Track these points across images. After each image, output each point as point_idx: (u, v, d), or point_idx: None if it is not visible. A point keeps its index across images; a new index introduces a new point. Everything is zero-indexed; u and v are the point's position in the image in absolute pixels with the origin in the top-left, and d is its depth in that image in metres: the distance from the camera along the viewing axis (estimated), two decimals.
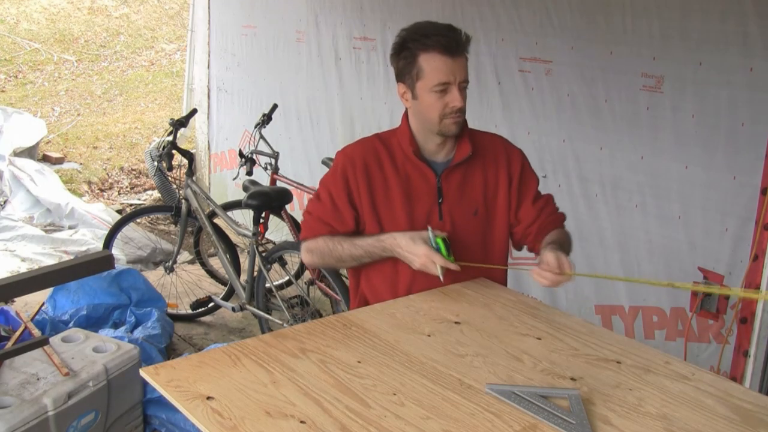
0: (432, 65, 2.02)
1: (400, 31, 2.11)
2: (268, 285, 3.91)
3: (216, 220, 4.32)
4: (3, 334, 3.20)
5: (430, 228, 2.04)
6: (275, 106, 4.65)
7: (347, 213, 2.17)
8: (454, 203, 2.17)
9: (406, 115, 2.20)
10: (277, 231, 4.87)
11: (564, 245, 2.11)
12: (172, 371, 1.62)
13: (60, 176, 6.41)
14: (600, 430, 1.49)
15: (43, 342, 2.67)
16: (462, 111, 2.07)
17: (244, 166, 4.26)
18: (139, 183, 7.05)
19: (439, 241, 2.01)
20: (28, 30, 10.17)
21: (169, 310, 4.17)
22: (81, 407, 2.72)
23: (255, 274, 3.90)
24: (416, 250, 2.01)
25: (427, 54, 2.02)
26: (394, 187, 2.15)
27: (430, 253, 1.99)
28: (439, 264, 1.98)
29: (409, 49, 2.05)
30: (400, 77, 2.12)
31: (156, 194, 6.62)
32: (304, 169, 5.21)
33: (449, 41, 2.01)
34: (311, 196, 2.33)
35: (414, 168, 2.17)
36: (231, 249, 4.26)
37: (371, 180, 2.15)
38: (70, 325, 3.57)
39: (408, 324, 1.92)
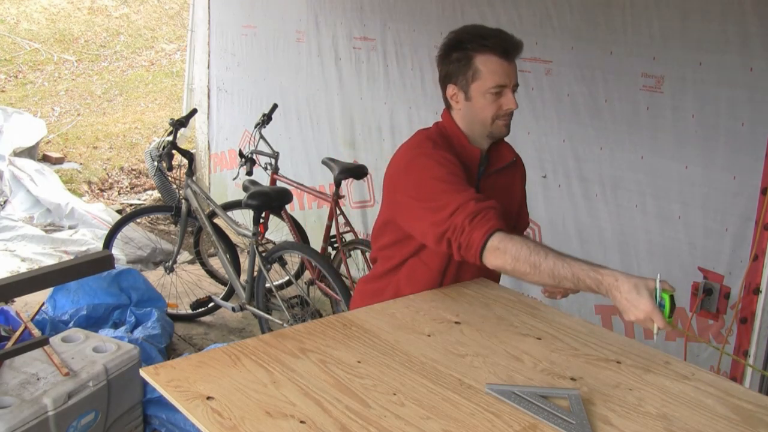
0: (489, 67, 2.00)
1: (448, 33, 2.07)
2: (268, 285, 3.91)
3: (216, 220, 4.32)
4: (3, 334, 3.20)
5: (659, 278, 1.76)
6: (275, 106, 4.65)
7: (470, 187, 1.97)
8: None
9: (451, 118, 2.13)
10: (277, 231, 4.87)
11: None
12: (172, 371, 1.62)
13: (60, 176, 6.41)
14: (600, 430, 1.49)
15: (43, 342, 2.67)
16: (512, 114, 2.08)
17: (244, 166, 4.26)
18: (139, 183, 7.06)
19: (666, 296, 1.73)
20: (28, 30, 10.17)
21: (169, 310, 4.18)
22: (81, 407, 2.72)
23: (255, 274, 3.90)
24: (639, 303, 1.71)
25: (484, 56, 2.00)
26: None
27: (653, 311, 1.70)
28: (660, 326, 1.71)
29: (464, 50, 2.01)
30: (451, 79, 2.06)
31: (156, 194, 6.62)
32: (304, 169, 5.21)
33: (507, 44, 2.00)
34: (422, 208, 1.97)
35: (466, 170, 2.08)
36: (231, 249, 4.26)
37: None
38: (70, 325, 3.57)
39: (408, 324, 1.92)
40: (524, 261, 1.83)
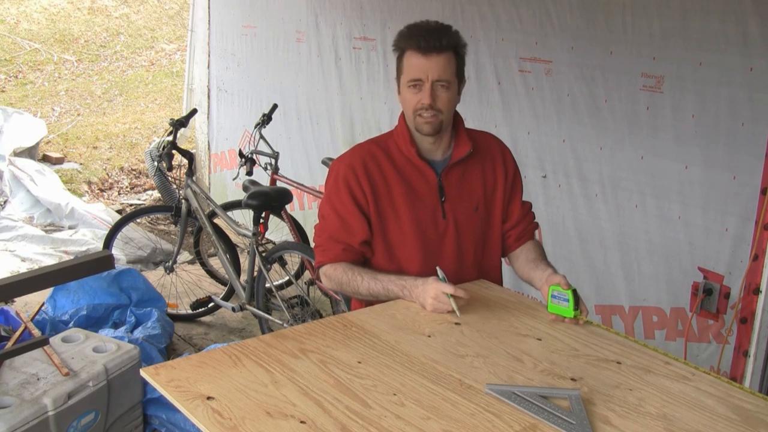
0: (409, 62, 2.10)
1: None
2: (268, 285, 3.91)
3: (216, 220, 4.31)
4: (3, 334, 3.20)
5: (438, 268, 2.04)
6: (275, 106, 4.65)
7: (356, 222, 2.15)
8: (455, 201, 2.20)
9: (403, 116, 2.22)
10: (277, 231, 4.87)
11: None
12: (172, 371, 1.62)
13: (60, 176, 6.41)
14: (600, 431, 1.49)
15: (43, 342, 2.67)
16: (433, 110, 2.09)
17: (244, 166, 4.26)
18: (139, 183, 7.06)
19: (569, 292, 1.94)
20: (28, 30, 10.17)
21: (169, 310, 4.17)
22: (81, 407, 2.72)
23: (255, 274, 3.90)
24: (427, 288, 2.01)
25: (408, 51, 2.11)
26: (396, 190, 2.16)
27: (440, 286, 1.98)
28: (449, 292, 1.97)
29: (399, 48, 2.15)
30: (396, 74, 2.19)
31: (156, 194, 6.62)
32: (304, 169, 5.21)
33: (423, 41, 2.07)
34: (318, 217, 2.28)
35: (414, 169, 2.18)
36: (231, 249, 4.26)
37: (374, 185, 2.15)
38: (70, 325, 3.56)
39: (408, 324, 1.92)
40: (347, 285, 2.16)
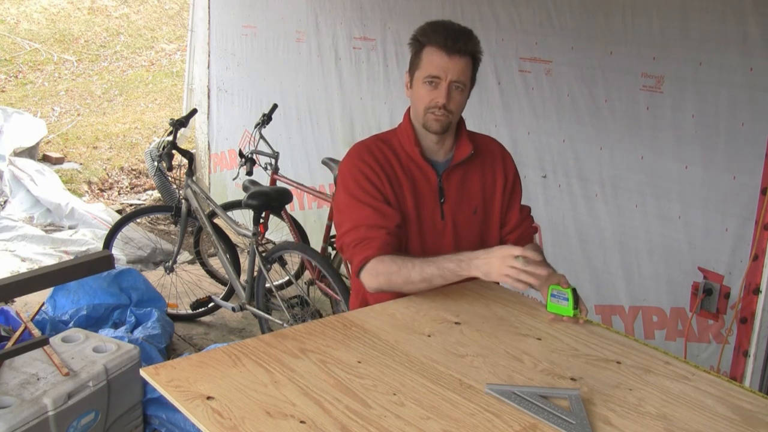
0: (429, 58, 2.08)
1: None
2: (268, 285, 3.91)
3: (216, 220, 4.32)
4: (3, 334, 3.20)
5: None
6: (275, 106, 4.65)
7: (387, 208, 2.09)
8: (454, 203, 2.19)
9: (408, 114, 2.22)
10: (277, 231, 4.87)
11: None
12: (172, 371, 1.62)
13: (60, 176, 6.41)
14: (600, 430, 1.49)
15: (43, 342, 2.67)
16: (445, 109, 2.10)
17: (244, 166, 4.26)
18: (139, 183, 7.06)
19: (569, 291, 1.94)
20: (28, 30, 10.17)
21: (169, 310, 4.17)
22: (81, 407, 2.72)
23: (255, 274, 3.90)
24: (492, 253, 1.90)
25: (429, 47, 2.09)
26: (403, 185, 2.16)
27: (506, 248, 1.89)
28: (518, 254, 1.86)
29: (419, 42, 2.12)
30: (409, 67, 2.18)
31: (156, 194, 6.62)
32: (304, 169, 5.21)
33: (450, 41, 2.06)
34: (337, 221, 2.17)
35: (417, 168, 2.18)
36: (231, 249, 4.26)
37: (388, 175, 2.14)
38: (70, 325, 3.57)
39: (408, 324, 1.92)
40: (396, 275, 2.01)
